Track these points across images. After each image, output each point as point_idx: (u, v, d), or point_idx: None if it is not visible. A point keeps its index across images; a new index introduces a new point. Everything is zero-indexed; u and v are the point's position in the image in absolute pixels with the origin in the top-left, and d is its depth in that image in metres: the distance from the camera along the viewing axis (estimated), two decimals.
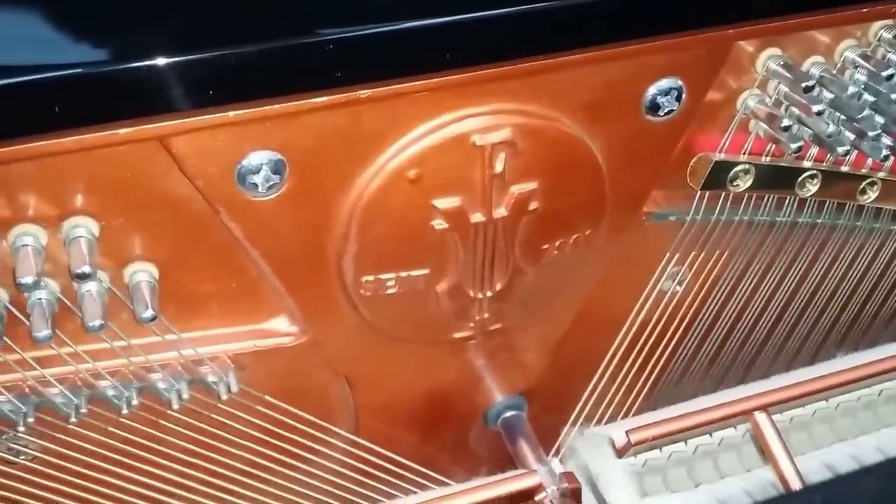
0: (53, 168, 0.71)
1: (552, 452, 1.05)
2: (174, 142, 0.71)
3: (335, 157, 0.77)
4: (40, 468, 0.86)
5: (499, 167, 0.80)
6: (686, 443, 1.11)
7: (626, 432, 0.92)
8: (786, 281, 1.06)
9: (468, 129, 0.78)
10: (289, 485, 0.96)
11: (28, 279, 0.72)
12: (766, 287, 1.05)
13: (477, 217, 0.83)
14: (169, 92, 0.67)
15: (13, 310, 0.76)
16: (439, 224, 0.82)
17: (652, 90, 0.82)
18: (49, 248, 0.75)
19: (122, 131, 0.68)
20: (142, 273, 0.79)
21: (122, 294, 0.79)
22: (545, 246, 0.88)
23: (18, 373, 0.80)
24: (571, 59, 0.77)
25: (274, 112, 0.71)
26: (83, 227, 0.75)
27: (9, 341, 0.77)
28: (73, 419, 0.82)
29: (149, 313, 0.77)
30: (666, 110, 0.83)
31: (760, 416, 0.95)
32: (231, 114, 0.70)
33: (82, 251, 0.74)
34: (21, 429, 0.81)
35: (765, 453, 0.96)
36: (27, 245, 0.74)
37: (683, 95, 0.83)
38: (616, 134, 0.84)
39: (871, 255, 1.08)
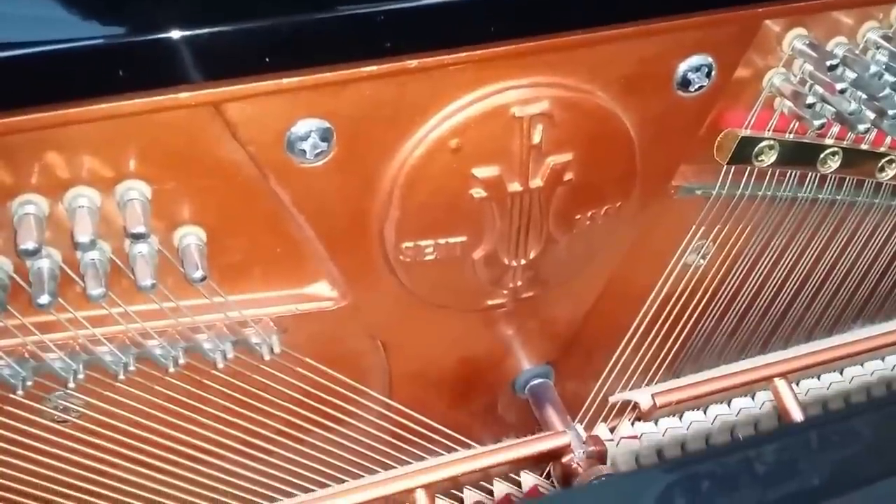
0: (113, 132, 0.73)
1: (576, 420, 1.08)
2: (229, 108, 0.74)
3: (380, 127, 0.79)
4: (87, 425, 0.89)
5: (536, 138, 0.83)
6: (705, 413, 1.15)
7: (652, 395, 0.95)
8: (805, 256, 1.08)
9: (508, 100, 0.81)
10: (324, 445, 0.99)
11: (85, 238, 0.74)
12: (786, 262, 1.08)
13: (514, 186, 0.85)
14: (228, 58, 0.70)
15: (67, 269, 0.79)
16: (478, 193, 0.85)
17: (683, 66, 0.85)
18: (102, 211, 0.77)
19: (183, 95, 0.71)
20: (191, 236, 0.82)
21: (172, 256, 0.82)
22: (578, 216, 0.91)
23: (70, 331, 0.83)
24: (608, 34, 0.79)
25: (324, 80, 0.74)
26: (136, 190, 0.77)
27: (62, 301, 0.79)
28: (121, 377, 0.85)
29: (199, 274, 0.79)
30: (696, 86, 0.86)
31: (780, 383, 0.97)
32: (285, 81, 0.73)
33: (137, 212, 0.76)
34: (71, 386, 0.84)
35: (784, 417, 0.99)
36: (83, 206, 0.76)
37: (713, 72, 0.86)
38: (648, 108, 0.87)
39: (887, 232, 1.11)
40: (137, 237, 0.76)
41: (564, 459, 0.96)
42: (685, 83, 0.86)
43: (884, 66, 0.92)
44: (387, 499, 0.91)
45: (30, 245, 0.73)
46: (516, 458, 0.92)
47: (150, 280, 0.78)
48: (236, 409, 0.93)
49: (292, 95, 0.75)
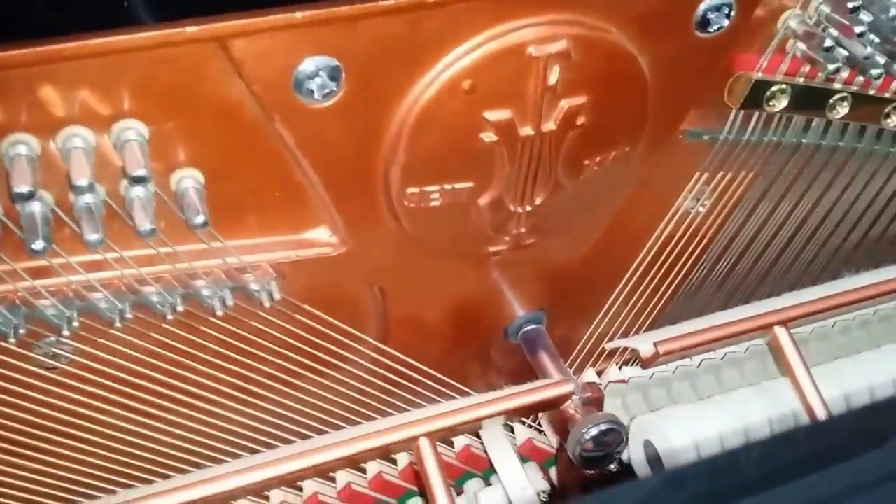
0: (113, 68, 0.69)
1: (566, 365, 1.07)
2: (235, 44, 0.70)
3: (392, 66, 0.76)
4: (78, 372, 0.86)
5: (552, 79, 0.80)
6: (691, 357, 1.14)
7: (655, 344, 0.94)
8: (801, 203, 1.07)
9: (525, 38, 0.77)
10: (317, 391, 0.97)
11: (83, 181, 0.71)
12: (783, 209, 1.07)
13: (526, 130, 0.83)
14: None
15: (60, 212, 0.75)
16: (488, 137, 0.82)
17: (703, 6, 0.82)
18: (97, 151, 0.73)
19: (190, 29, 0.67)
20: (188, 179, 0.78)
21: (170, 200, 0.78)
22: (587, 161, 0.88)
23: (63, 277, 0.79)
24: None
25: (338, 14, 0.70)
26: (133, 130, 0.73)
27: (55, 246, 0.75)
28: (117, 325, 0.82)
29: (201, 219, 0.76)
30: (715, 27, 0.83)
31: (780, 331, 0.97)
32: (299, 14, 0.69)
33: (136, 154, 0.72)
34: (66, 333, 0.80)
35: (782, 365, 0.99)
36: (79, 147, 0.72)
37: (733, 12, 0.83)
38: (665, 49, 0.84)
39: (882, 180, 1.11)
40: (137, 181, 0.72)
41: (562, 407, 0.95)
42: (704, 23, 0.83)
43: None
44: (385, 448, 0.90)
45: (24, 188, 0.69)
46: (519, 406, 0.91)
47: (149, 225, 0.74)
48: (230, 354, 0.90)
49: (302, 32, 0.71)
